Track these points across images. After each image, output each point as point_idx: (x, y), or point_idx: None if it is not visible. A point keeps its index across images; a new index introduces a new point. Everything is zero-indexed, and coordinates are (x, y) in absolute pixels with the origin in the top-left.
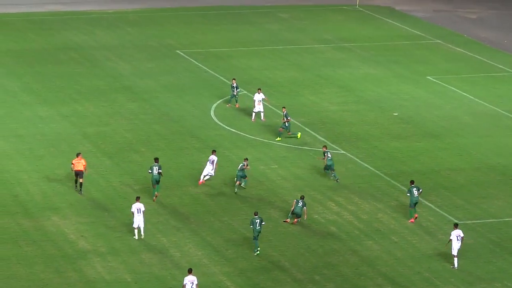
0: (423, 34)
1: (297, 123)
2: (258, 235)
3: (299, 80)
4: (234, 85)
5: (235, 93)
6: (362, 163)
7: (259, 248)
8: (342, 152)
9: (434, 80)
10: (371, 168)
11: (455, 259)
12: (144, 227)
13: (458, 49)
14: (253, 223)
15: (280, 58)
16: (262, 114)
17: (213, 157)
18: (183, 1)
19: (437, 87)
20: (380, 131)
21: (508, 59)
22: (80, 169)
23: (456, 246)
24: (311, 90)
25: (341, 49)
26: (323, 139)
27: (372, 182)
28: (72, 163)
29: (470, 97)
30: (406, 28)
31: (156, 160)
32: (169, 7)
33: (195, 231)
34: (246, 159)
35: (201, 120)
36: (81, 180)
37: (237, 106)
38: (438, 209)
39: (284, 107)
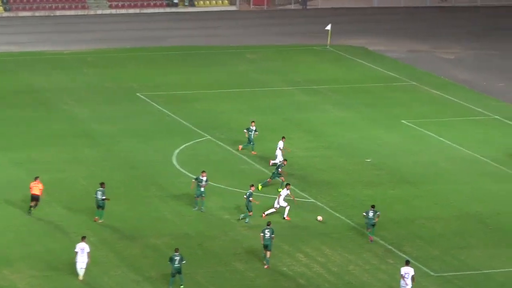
0: (398, 76)
1: (263, 169)
2: (176, 273)
3: (266, 124)
4: (254, 128)
5: (252, 138)
6: (333, 212)
7: (182, 285)
8: (312, 200)
9: (409, 124)
10: (342, 217)
11: None
12: (85, 269)
13: (434, 91)
14: (172, 260)
15: (247, 101)
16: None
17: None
18: (144, 41)
19: (412, 132)
20: (352, 178)
21: (487, 102)
22: (36, 193)
23: (404, 284)
24: (278, 135)
25: (311, 92)
26: (291, 186)
27: (344, 232)
28: (30, 187)
29: (448, 142)
30: (380, 69)
31: (102, 185)
32: (129, 47)
33: (156, 285)
34: (204, 171)
35: (163, 167)
36: (35, 203)
37: (253, 153)
38: (413, 261)
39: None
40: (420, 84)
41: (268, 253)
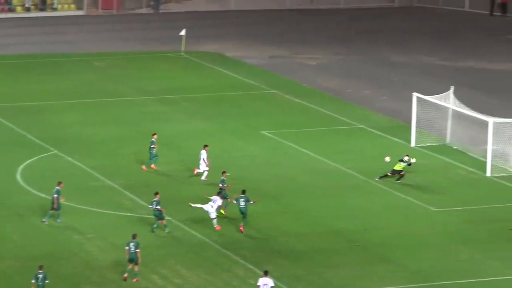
0: (257, 83)
1: (115, 185)
2: None
3: (118, 137)
4: (154, 140)
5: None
6: (189, 229)
7: None
8: (168, 218)
9: (269, 135)
10: (199, 235)
11: None
12: None
13: (296, 100)
14: (36, 277)
15: (97, 112)
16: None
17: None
18: None
19: (273, 143)
20: (209, 193)
21: (352, 111)
22: None
23: None
24: (132, 148)
25: (165, 101)
26: (144, 203)
27: (201, 252)
28: None
29: (311, 153)
30: (238, 76)
31: None
32: None
33: None
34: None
35: (6, 185)
36: None
37: (153, 167)
38: (275, 281)
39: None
40: (280, 92)
41: (136, 267)
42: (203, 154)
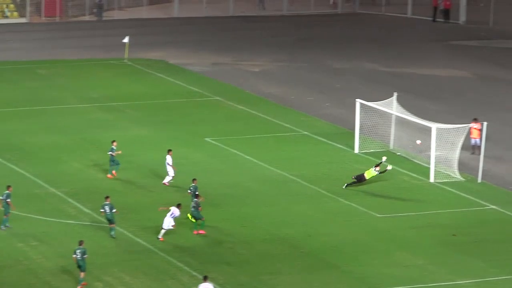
0: (200, 90)
1: (60, 193)
2: None
3: (61, 145)
4: (114, 148)
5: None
6: (133, 237)
7: None
8: (112, 225)
9: (213, 142)
10: (143, 242)
11: None
12: None
13: (240, 106)
14: None
15: (40, 120)
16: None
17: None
18: None
19: (217, 150)
20: (154, 200)
21: (295, 117)
22: None
23: None
24: (76, 156)
25: (109, 109)
26: (89, 211)
27: (145, 259)
28: None
29: (255, 160)
30: (182, 83)
31: None
32: None
33: None
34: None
35: None
36: None
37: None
38: (218, 287)
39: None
40: (224, 99)
41: (82, 274)
42: (168, 159)
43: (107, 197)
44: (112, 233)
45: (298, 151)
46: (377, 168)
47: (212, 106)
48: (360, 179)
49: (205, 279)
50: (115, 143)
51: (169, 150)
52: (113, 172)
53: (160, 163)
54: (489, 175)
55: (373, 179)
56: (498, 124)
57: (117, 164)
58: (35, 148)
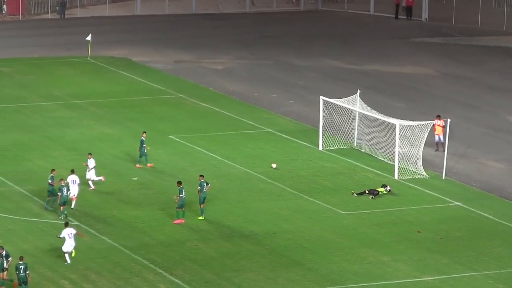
0: (164, 88)
1: (24, 191)
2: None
3: (24, 142)
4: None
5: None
6: (98, 235)
7: None
8: (76, 223)
9: (177, 139)
10: (108, 240)
11: None
12: None
13: (203, 104)
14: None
15: (2, 118)
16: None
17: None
18: None
19: (181, 148)
20: (118, 198)
21: (259, 114)
22: None
23: None
24: (39, 153)
25: (71, 107)
26: (53, 209)
27: (111, 257)
28: None
29: (219, 158)
30: (145, 81)
31: None
32: None
33: None
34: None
35: None
36: None
37: (149, 165)
38: (185, 285)
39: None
40: (187, 97)
41: None
42: (90, 163)
43: (53, 170)
44: (61, 216)
45: (262, 149)
46: (388, 188)
47: (176, 103)
48: (373, 192)
49: (66, 225)
50: (144, 134)
51: (89, 154)
52: (149, 164)
53: (124, 160)
54: (453, 171)
55: (337, 177)
56: (461, 121)
57: (145, 154)
58: None
